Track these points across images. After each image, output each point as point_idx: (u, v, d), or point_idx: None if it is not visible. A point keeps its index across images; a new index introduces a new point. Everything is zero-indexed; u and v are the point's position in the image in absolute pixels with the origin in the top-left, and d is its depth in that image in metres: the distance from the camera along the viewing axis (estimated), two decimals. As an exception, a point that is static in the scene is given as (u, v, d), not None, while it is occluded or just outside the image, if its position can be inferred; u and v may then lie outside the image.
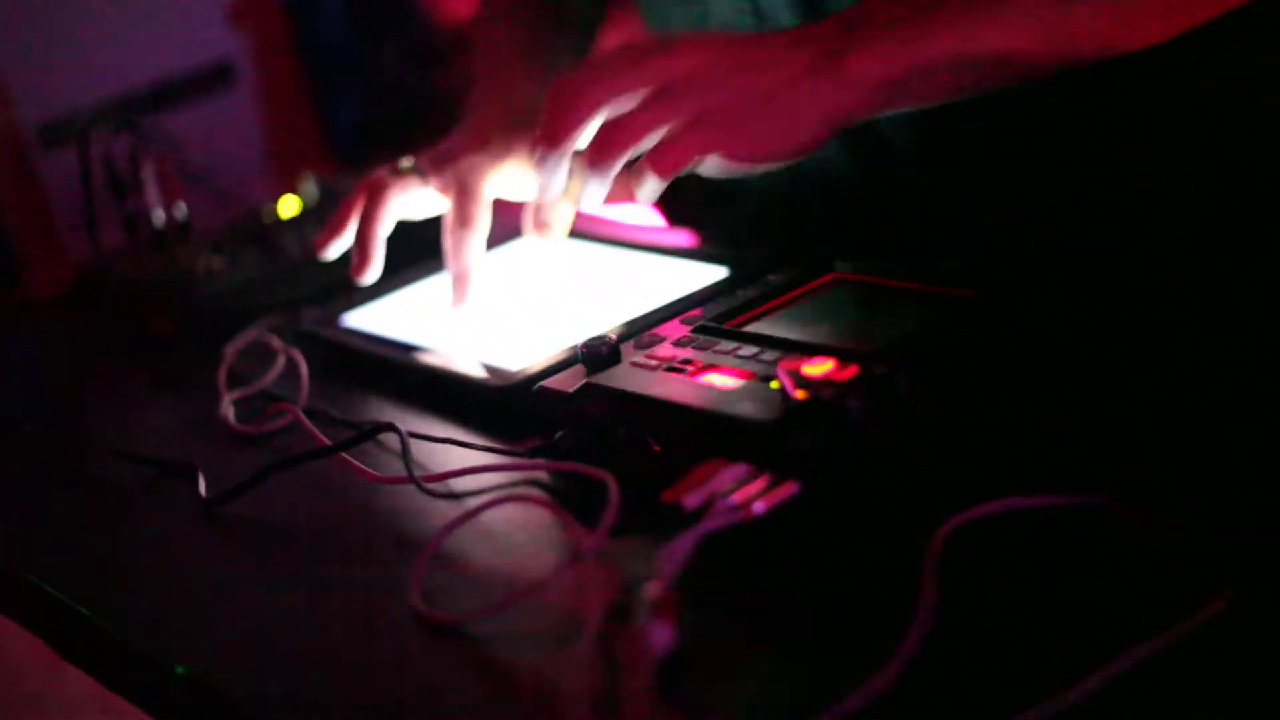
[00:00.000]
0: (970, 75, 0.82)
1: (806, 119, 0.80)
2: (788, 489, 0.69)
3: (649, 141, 0.81)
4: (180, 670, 0.70)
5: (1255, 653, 0.58)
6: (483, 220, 1.02)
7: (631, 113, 0.81)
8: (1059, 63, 0.81)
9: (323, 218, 1.22)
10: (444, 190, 1.04)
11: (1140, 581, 0.63)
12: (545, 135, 0.84)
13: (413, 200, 1.04)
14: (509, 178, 1.05)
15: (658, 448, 0.76)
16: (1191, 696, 0.56)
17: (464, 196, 1.02)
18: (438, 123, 2.04)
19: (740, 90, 0.80)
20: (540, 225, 1.03)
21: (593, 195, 0.84)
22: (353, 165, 1.63)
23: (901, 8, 0.82)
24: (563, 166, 0.86)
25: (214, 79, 1.55)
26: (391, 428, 0.84)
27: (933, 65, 0.80)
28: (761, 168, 0.82)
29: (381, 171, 1.06)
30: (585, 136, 0.84)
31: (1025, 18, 0.81)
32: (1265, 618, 0.59)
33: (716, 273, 0.99)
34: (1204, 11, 0.81)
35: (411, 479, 0.81)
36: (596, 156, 0.82)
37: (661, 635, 0.62)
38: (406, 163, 1.06)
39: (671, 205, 1.14)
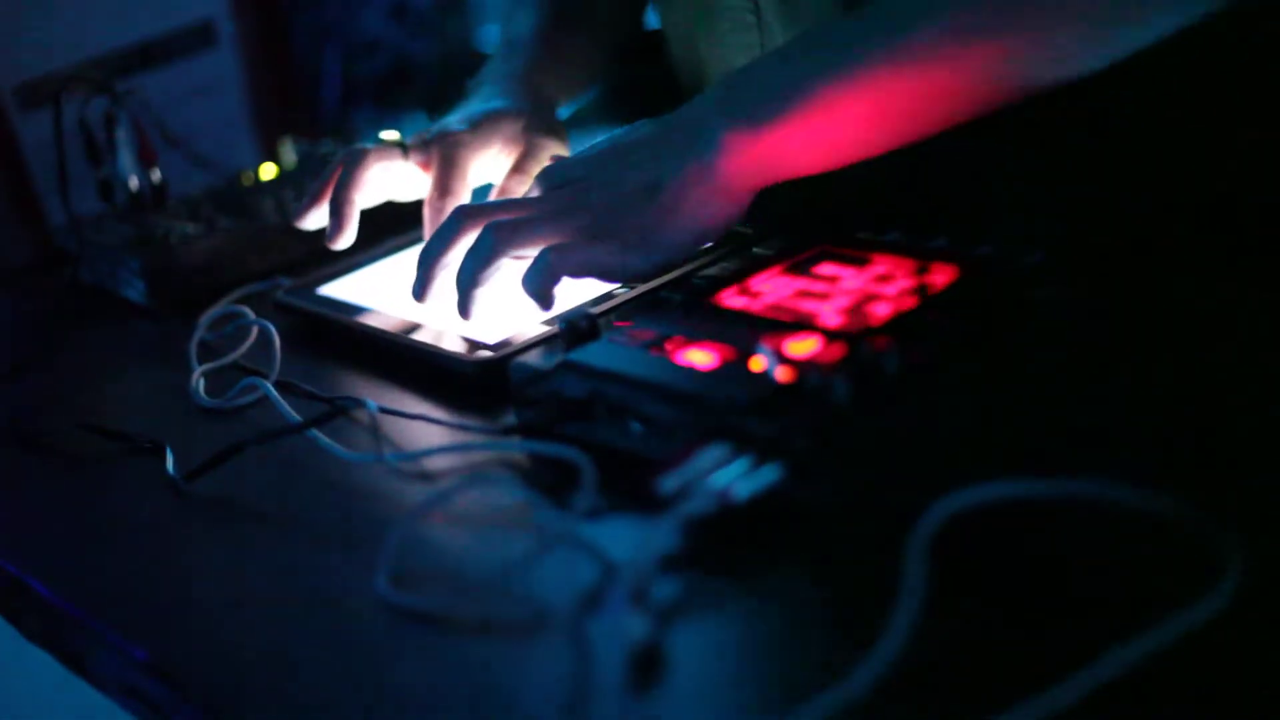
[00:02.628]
0: (847, 135, 0.85)
1: (695, 202, 0.86)
2: (769, 473, 0.67)
3: (521, 251, 0.87)
4: (140, 656, 0.68)
5: (1250, 647, 0.56)
6: (463, 194, 1.00)
7: (515, 224, 0.87)
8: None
9: (301, 183, 1.20)
10: (426, 165, 1.02)
11: (1133, 570, 0.61)
12: (427, 250, 0.91)
13: (393, 173, 1.02)
14: (493, 159, 1.04)
15: (636, 427, 0.74)
16: (1186, 690, 0.54)
17: (446, 167, 1.00)
18: (422, 86, 2.01)
19: (615, 195, 0.87)
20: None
21: (468, 298, 0.88)
22: (336, 129, 1.60)
23: (776, 71, 0.86)
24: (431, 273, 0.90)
25: (195, 39, 1.51)
26: (360, 403, 0.81)
27: (807, 132, 0.84)
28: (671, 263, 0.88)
29: (364, 144, 1.03)
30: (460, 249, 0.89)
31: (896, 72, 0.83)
32: (1260, 611, 0.57)
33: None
34: None
35: (380, 458, 0.79)
36: (475, 254, 0.87)
37: (637, 625, 0.60)
38: (390, 135, 1.04)
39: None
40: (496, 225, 0.87)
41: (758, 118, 0.84)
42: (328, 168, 1.03)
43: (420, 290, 0.91)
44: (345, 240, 1.00)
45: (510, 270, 0.88)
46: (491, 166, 1.04)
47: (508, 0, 1.25)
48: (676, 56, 1.14)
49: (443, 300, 0.93)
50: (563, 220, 0.87)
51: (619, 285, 0.91)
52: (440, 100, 1.16)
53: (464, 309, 0.88)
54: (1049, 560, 0.62)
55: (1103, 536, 0.63)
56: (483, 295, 0.88)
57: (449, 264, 0.90)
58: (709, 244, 0.89)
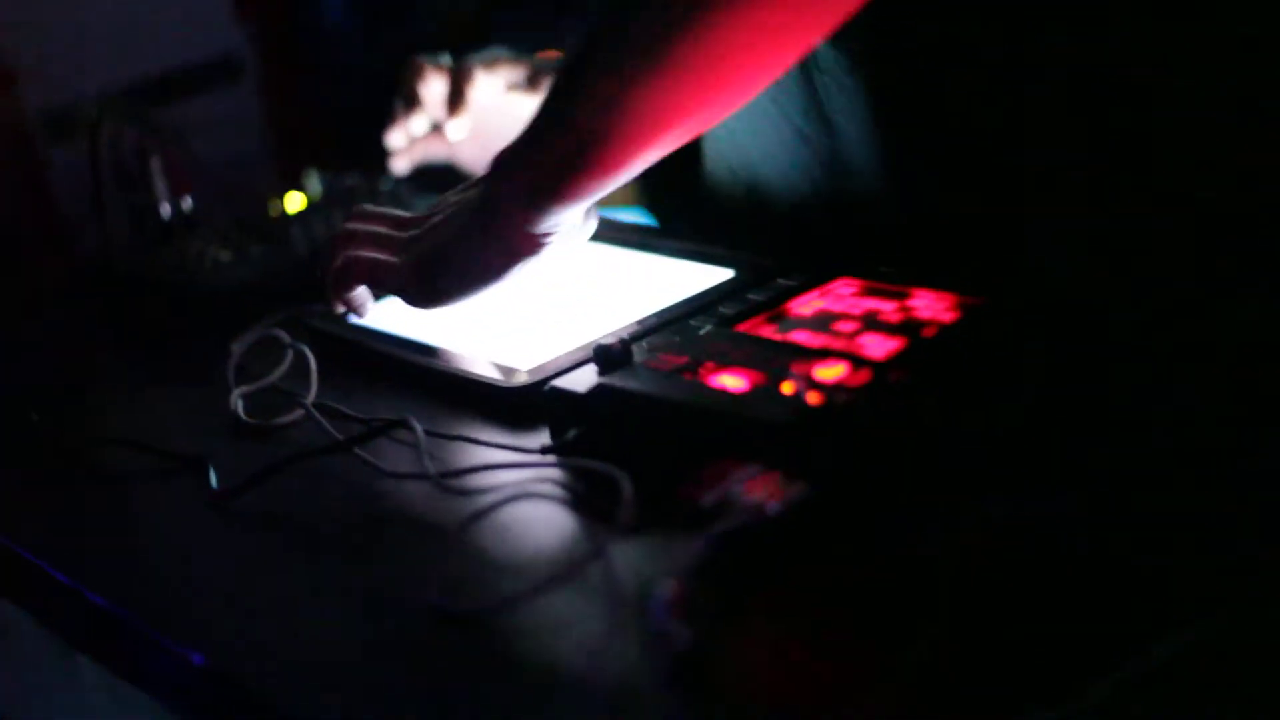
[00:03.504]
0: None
1: (485, 258, 0.89)
2: (800, 489, 0.70)
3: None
4: (197, 660, 0.71)
5: (1251, 657, 0.59)
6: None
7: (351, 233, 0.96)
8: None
9: (328, 213, 1.24)
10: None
11: (1142, 587, 0.64)
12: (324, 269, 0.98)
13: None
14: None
15: (670, 448, 0.77)
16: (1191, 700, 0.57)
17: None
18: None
19: (433, 248, 0.91)
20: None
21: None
22: (356, 160, 1.63)
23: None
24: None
25: (220, 72, 1.55)
26: (406, 424, 0.84)
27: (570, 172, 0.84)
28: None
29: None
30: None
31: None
32: (1262, 623, 0.60)
33: (723, 274, 1.00)
34: None
35: (429, 474, 0.82)
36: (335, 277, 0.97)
37: (677, 633, 0.63)
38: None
39: (670, 207, 1.16)
40: (349, 259, 0.96)
41: (537, 196, 0.86)
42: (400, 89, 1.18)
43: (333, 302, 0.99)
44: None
45: (544, 299, 0.92)
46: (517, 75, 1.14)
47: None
48: None
49: (473, 322, 0.96)
50: (391, 245, 0.94)
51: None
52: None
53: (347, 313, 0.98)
54: (1059, 576, 0.66)
55: (1111, 554, 0.66)
56: (359, 305, 0.98)
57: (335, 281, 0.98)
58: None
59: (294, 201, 1.29)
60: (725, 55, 0.79)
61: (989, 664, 0.61)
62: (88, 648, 0.82)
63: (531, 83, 1.16)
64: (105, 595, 0.79)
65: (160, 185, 1.25)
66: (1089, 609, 0.63)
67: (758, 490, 0.70)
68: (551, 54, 1.13)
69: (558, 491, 0.80)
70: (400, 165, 1.18)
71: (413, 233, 0.93)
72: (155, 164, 1.25)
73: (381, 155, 1.30)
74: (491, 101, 1.11)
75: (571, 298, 1.01)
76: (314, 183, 1.32)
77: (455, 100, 1.08)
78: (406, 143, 1.16)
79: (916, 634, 0.61)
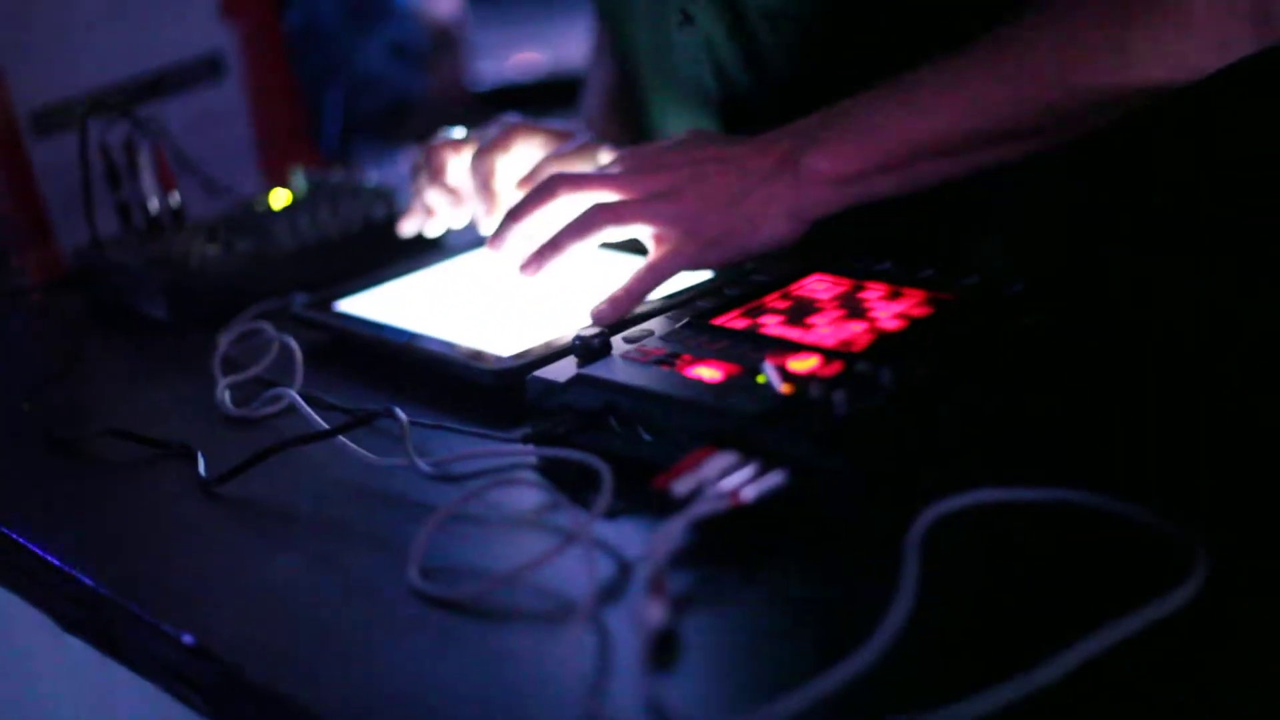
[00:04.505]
0: (925, 165, 0.94)
1: (772, 216, 0.94)
2: (774, 477, 0.72)
3: (617, 233, 0.96)
4: (186, 639, 0.73)
5: (1223, 635, 0.61)
6: (499, 158, 1.12)
7: (622, 204, 0.96)
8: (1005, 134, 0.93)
9: (313, 209, 1.26)
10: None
11: (1109, 569, 0.66)
12: (519, 205, 1.00)
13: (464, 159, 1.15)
14: (539, 145, 1.13)
15: (647, 436, 0.79)
16: (1161, 680, 0.60)
17: (494, 137, 1.13)
18: (419, 120, 2.07)
19: (709, 198, 0.95)
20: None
21: (545, 257, 0.98)
22: (339, 158, 1.65)
23: (859, 108, 0.94)
24: (513, 229, 1.00)
25: (204, 71, 1.56)
26: (391, 413, 0.86)
27: (885, 161, 0.93)
28: (735, 263, 0.97)
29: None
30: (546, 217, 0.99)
31: (957, 97, 0.93)
32: (1233, 604, 0.62)
33: (702, 275, 1.02)
34: None
35: (413, 463, 0.84)
36: (577, 227, 0.96)
37: (653, 614, 0.65)
38: (459, 132, 1.18)
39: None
40: (601, 205, 0.96)
41: (841, 162, 0.93)
42: (416, 172, 1.17)
43: (497, 239, 1.01)
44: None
45: (529, 294, 0.95)
46: (533, 155, 1.13)
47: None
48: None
49: (458, 313, 0.99)
50: (658, 209, 0.96)
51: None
52: (439, 130, 1.23)
53: (534, 267, 0.98)
54: (1030, 559, 0.68)
55: (1079, 538, 0.69)
56: (557, 263, 0.97)
57: (536, 222, 0.99)
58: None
59: (279, 198, 1.31)
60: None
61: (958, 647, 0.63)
62: (79, 629, 0.84)
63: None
64: (96, 578, 0.81)
65: (148, 181, 1.27)
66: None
67: (733, 478, 0.72)
68: (560, 131, 1.15)
69: (538, 479, 0.82)
70: (410, 230, 1.19)
71: (676, 199, 0.96)
72: (143, 160, 1.26)
73: (361, 155, 1.33)
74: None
75: (553, 292, 1.03)
76: (299, 180, 1.34)
77: (484, 196, 1.10)
78: (425, 215, 1.17)
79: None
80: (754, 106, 1.06)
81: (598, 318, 0.95)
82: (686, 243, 0.95)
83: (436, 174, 1.15)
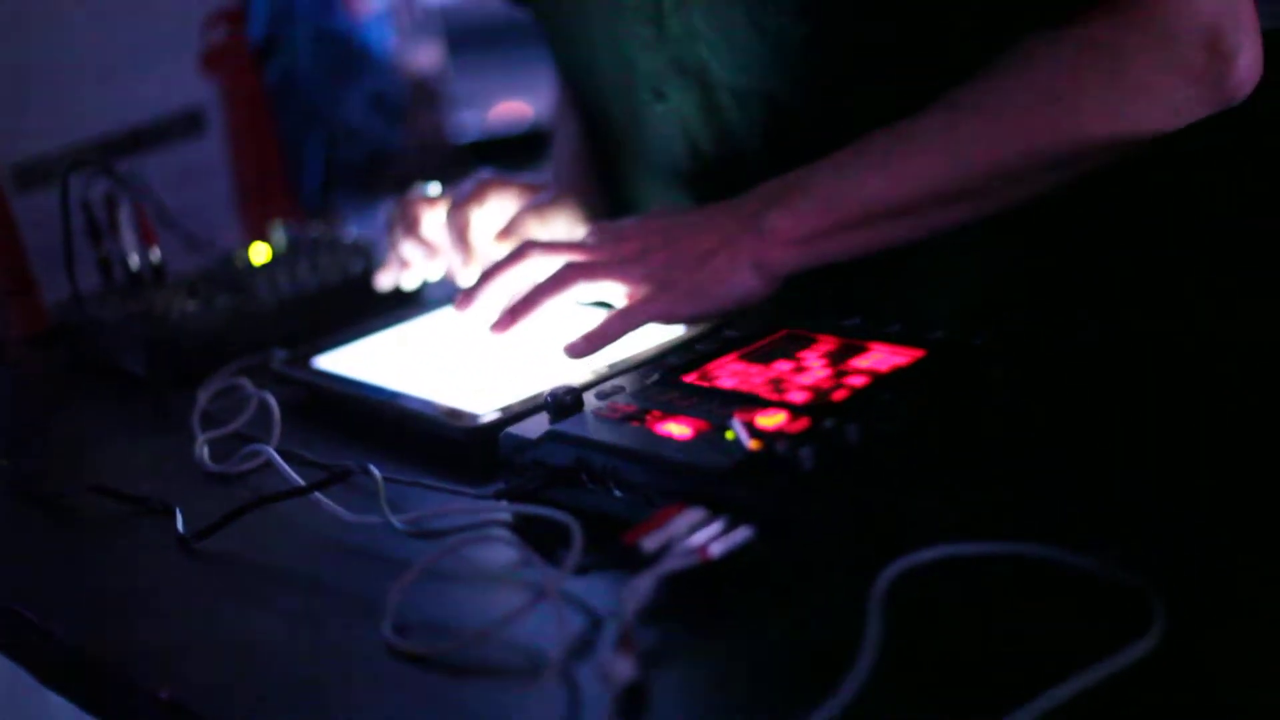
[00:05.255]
0: (884, 226, 0.97)
1: (740, 272, 0.97)
2: (742, 533, 0.74)
3: (589, 290, 0.99)
4: (163, 695, 0.74)
5: (1185, 685, 0.63)
6: (474, 212, 1.15)
7: (595, 263, 0.99)
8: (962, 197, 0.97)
9: (293, 264, 1.27)
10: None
11: (1071, 620, 0.68)
12: (492, 268, 1.02)
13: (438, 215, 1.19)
14: (510, 201, 1.16)
15: (618, 492, 0.81)
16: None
17: (466, 194, 1.16)
18: (398, 172, 2.08)
19: (678, 256, 0.98)
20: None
21: (518, 315, 1.00)
22: (321, 213, 1.67)
23: (820, 172, 0.98)
24: (485, 289, 1.03)
25: (184, 126, 1.58)
26: (359, 469, 0.88)
27: (844, 221, 0.96)
28: (707, 317, 1.00)
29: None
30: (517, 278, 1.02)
31: (913, 161, 0.96)
32: (1192, 653, 0.64)
33: (674, 329, 1.03)
34: None
35: (387, 520, 0.85)
36: (550, 285, 0.99)
37: (622, 670, 0.66)
38: (433, 188, 1.21)
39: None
40: (574, 263, 0.99)
41: (801, 222, 0.97)
42: (391, 226, 1.20)
43: (467, 298, 1.03)
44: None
45: (503, 350, 0.97)
46: (506, 209, 1.16)
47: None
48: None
49: (431, 370, 1.00)
50: (629, 269, 0.99)
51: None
52: (414, 186, 1.25)
53: (505, 325, 1.00)
54: (992, 610, 0.69)
55: (1042, 590, 0.70)
56: (528, 323, 0.99)
57: (506, 284, 1.02)
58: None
59: (259, 253, 1.32)
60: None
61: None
62: (58, 684, 0.85)
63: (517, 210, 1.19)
64: (73, 634, 0.82)
65: (129, 236, 1.28)
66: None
67: (702, 533, 0.74)
68: (533, 185, 1.18)
69: (510, 535, 0.83)
70: (387, 283, 1.23)
71: (646, 262, 0.99)
72: (124, 215, 1.28)
73: (341, 208, 1.35)
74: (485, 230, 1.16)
75: (525, 348, 1.04)
76: (279, 234, 1.35)
77: (461, 249, 1.13)
78: (400, 269, 1.21)
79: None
80: (726, 178, 1.09)
81: (571, 352, 0.98)
82: (658, 295, 0.98)
83: (411, 227, 1.18)
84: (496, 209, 1.14)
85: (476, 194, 1.13)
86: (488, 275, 1.02)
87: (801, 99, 1.04)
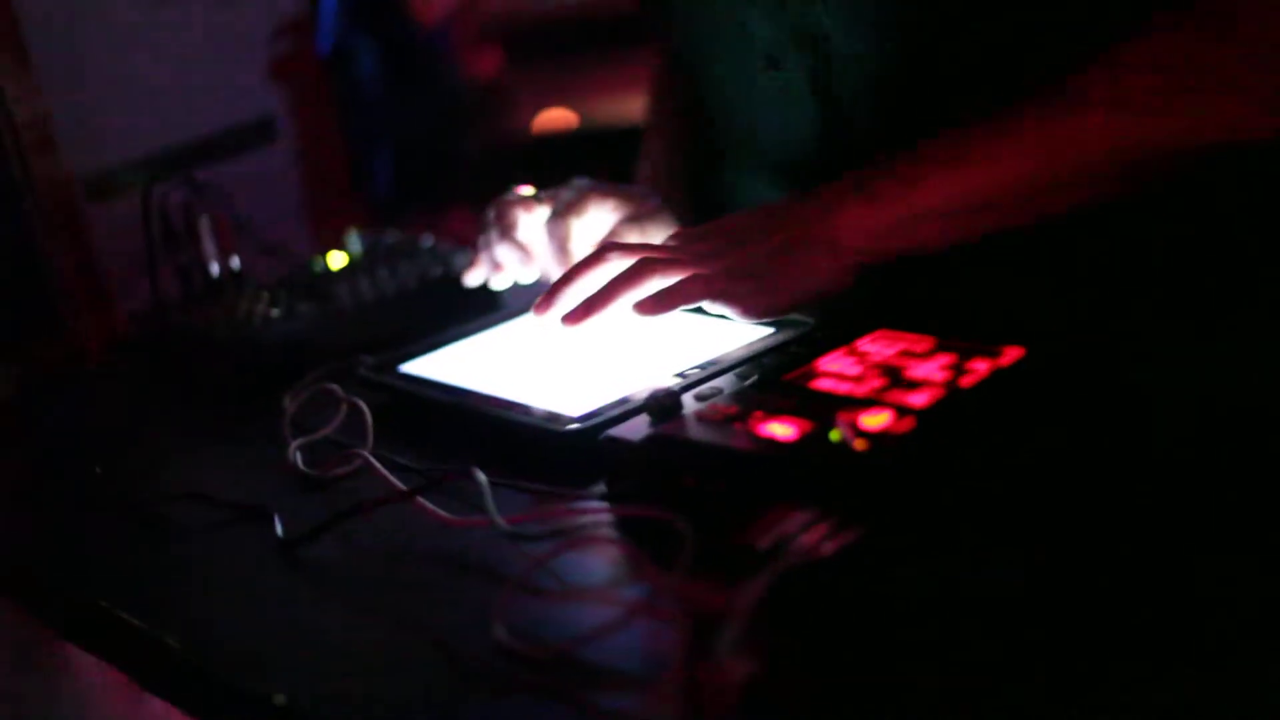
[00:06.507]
0: (955, 222, 0.96)
1: (811, 266, 0.97)
2: (852, 533, 0.73)
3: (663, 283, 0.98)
4: (279, 699, 0.74)
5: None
6: (574, 222, 1.15)
7: (668, 260, 0.99)
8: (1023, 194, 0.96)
9: (371, 270, 1.28)
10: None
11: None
12: (571, 270, 1.02)
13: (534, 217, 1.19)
14: (609, 211, 1.16)
15: (723, 494, 0.81)
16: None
17: (566, 202, 1.16)
18: (466, 179, 2.08)
19: (753, 251, 0.98)
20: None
21: (593, 308, 0.99)
22: (389, 220, 1.67)
23: (900, 163, 0.97)
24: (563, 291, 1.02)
25: (255, 134, 1.59)
26: (468, 474, 0.88)
27: (919, 214, 0.96)
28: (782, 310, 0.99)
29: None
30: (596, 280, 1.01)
31: (1002, 151, 0.95)
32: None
33: (763, 330, 1.03)
34: None
35: (493, 522, 0.84)
36: (626, 278, 0.98)
37: (740, 670, 0.66)
38: (526, 190, 1.20)
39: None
40: (648, 259, 0.99)
41: (878, 199, 0.96)
42: (487, 227, 1.19)
43: (545, 301, 1.02)
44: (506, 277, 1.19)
45: (592, 350, 0.97)
46: (606, 219, 1.16)
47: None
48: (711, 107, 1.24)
49: (518, 375, 1.01)
50: (706, 262, 0.99)
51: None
52: (483, 193, 1.25)
53: (578, 318, 0.99)
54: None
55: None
56: (605, 315, 0.98)
57: (585, 286, 1.01)
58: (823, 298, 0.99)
59: (336, 259, 1.33)
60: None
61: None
62: (163, 691, 0.85)
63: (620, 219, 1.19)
64: (181, 641, 0.82)
65: (208, 245, 1.29)
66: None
67: (811, 534, 0.73)
68: (632, 194, 1.17)
69: (618, 536, 0.83)
70: (475, 280, 1.22)
71: (726, 256, 0.99)
72: (202, 224, 1.29)
73: (409, 212, 1.35)
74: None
75: (617, 348, 1.04)
76: (354, 241, 1.36)
77: (560, 259, 1.13)
78: (492, 269, 1.20)
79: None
80: (832, 152, 1.08)
81: (639, 310, 0.98)
82: (734, 287, 0.98)
83: (508, 230, 1.18)
84: (595, 219, 1.14)
85: (577, 203, 1.13)
86: (567, 278, 1.02)
87: (912, 67, 1.02)
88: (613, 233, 1.11)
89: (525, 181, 1.23)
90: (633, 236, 1.13)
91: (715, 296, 0.98)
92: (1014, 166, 0.95)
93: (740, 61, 1.13)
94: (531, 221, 1.18)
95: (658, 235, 1.15)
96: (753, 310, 0.98)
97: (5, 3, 1.40)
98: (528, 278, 1.20)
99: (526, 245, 1.17)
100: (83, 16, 1.47)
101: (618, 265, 1.01)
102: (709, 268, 0.99)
